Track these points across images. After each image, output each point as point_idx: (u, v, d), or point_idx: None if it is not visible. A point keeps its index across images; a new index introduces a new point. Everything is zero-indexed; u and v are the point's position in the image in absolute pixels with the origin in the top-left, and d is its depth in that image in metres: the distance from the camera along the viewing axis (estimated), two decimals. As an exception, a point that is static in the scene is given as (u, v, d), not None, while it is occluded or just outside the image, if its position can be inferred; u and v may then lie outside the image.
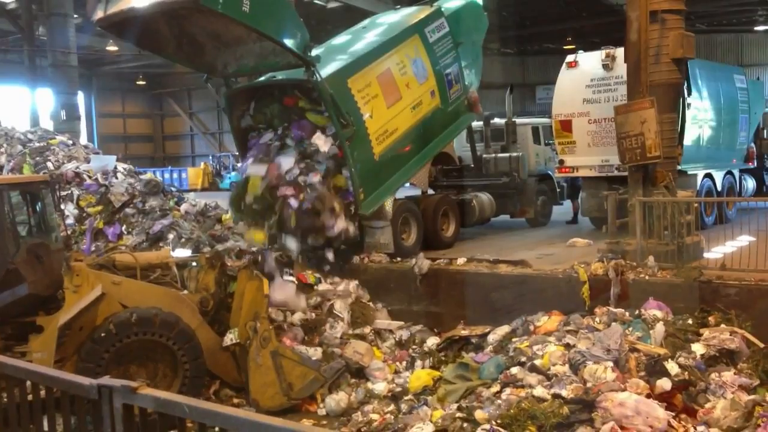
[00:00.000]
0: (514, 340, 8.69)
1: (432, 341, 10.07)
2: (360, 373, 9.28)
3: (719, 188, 14.96)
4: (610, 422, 6.10)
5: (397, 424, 7.45)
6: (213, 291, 9.25)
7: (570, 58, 14.60)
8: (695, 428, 6.30)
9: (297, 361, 8.68)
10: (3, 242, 8.49)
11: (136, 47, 13.81)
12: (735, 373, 7.05)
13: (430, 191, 14.38)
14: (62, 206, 12.80)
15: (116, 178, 13.63)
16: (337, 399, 8.65)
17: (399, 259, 11.66)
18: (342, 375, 9.05)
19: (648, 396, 6.55)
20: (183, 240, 12.37)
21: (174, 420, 3.16)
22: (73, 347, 7.96)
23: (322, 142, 10.65)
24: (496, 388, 7.53)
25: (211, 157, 44.42)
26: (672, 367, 7.07)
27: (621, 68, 12.04)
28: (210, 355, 8.72)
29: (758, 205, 13.71)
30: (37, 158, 14.27)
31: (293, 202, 10.39)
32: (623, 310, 8.59)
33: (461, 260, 11.28)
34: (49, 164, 14.09)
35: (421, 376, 8.71)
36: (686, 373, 7.04)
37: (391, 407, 8.18)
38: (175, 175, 39.73)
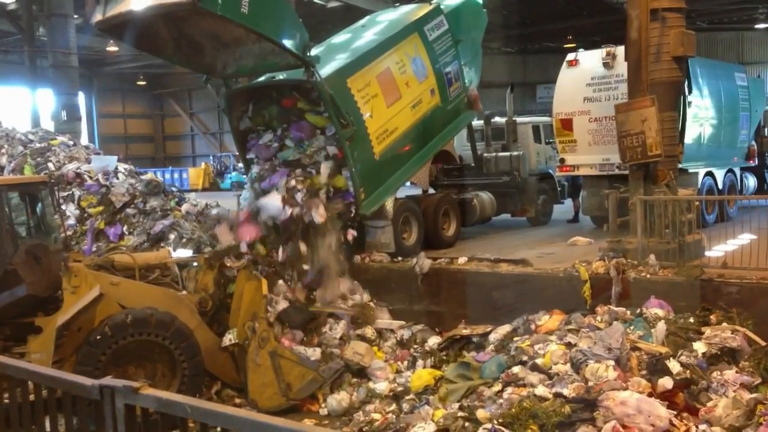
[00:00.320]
0: (515, 339, 8.69)
1: (433, 341, 10.07)
2: (361, 372, 9.29)
3: (720, 186, 14.95)
4: (611, 421, 6.10)
5: (398, 423, 7.46)
6: (212, 291, 9.25)
7: (570, 56, 14.59)
8: (697, 427, 6.30)
9: (295, 362, 8.68)
10: (1, 243, 8.49)
11: (135, 49, 13.82)
12: (736, 372, 7.05)
13: (431, 190, 14.38)
14: (63, 207, 12.82)
15: (117, 178, 13.61)
16: (339, 399, 8.66)
17: (400, 258, 11.66)
18: (341, 375, 9.04)
19: (650, 395, 6.54)
20: (184, 240, 12.36)
21: (176, 420, 3.16)
22: (72, 348, 7.96)
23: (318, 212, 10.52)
24: (497, 387, 7.53)
25: (211, 158, 44.46)
26: (673, 365, 7.06)
27: (621, 66, 12.03)
28: (209, 355, 8.72)
29: (759, 203, 13.73)
30: (38, 159, 14.25)
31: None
32: (624, 308, 8.59)
33: (462, 259, 11.28)
34: (50, 165, 14.07)
35: (422, 375, 8.72)
36: (688, 371, 7.03)
37: (393, 407, 8.19)
38: (176, 176, 39.76)
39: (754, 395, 6.60)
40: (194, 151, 52.35)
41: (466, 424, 6.83)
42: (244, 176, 13.31)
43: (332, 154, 11.04)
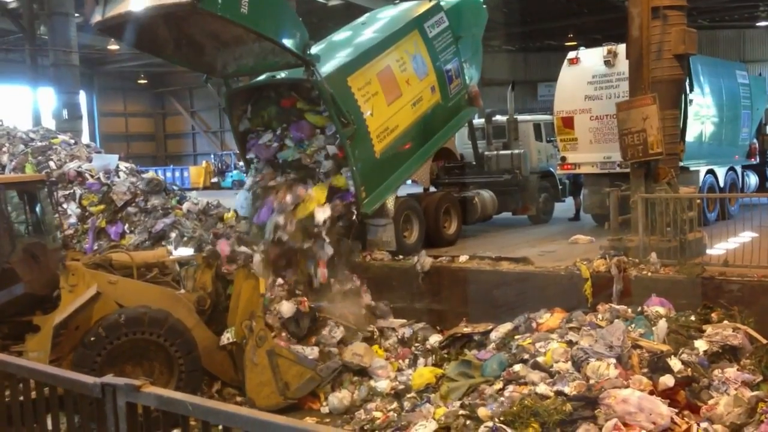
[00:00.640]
0: (516, 337, 8.68)
1: (434, 339, 10.07)
2: (362, 371, 9.29)
3: (721, 184, 14.93)
4: (613, 419, 6.10)
5: (400, 421, 7.46)
6: (210, 290, 9.23)
7: (572, 54, 14.57)
8: (698, 424, 6.29)
9: (293, 361, 8.66)
10: None
11: (134, 49, 13.81)
12: (738, 370, 7.04)
13: (432, 189, 14.37)
14: (65, 205, 12.84)
15: (118, 177, 13.63)
16: (340, 397, 8.67)
17: (401, 256, 11.66)
18: (339, 374, 9.03)
19: (651, 393, 6.54)
20: (185, 239, 12.38)
21: (177, 418, 3.16)
22: (69, 346, 7.96)
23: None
24: (498, 385, 7.53)
25: (212, 156, 44.50)
26: (675, 363, 7.05)
27: (623, 65, 12.01)
28: (207, 354, 8.71)
29: (761, 201, 13.70)
30: (40, 157, 14.27)
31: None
32: (626, 306, 8.58)
33: (463, 258, 11.28)
34: (52, 163, 14.09)
35: (423, 373, 8.71)
36: (689, 369, 7.02)
37: (394, 405, 8.20)
38: (177, 174, 39.77)
39: (755, 393, 6.59)
40: (195, 149, 52.36)
41: (468, 422, 6.82)
42: (245, 175, 13.32)
43: (332, 153, 11.04)
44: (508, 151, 15.71)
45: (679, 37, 9.88)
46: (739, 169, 16.10)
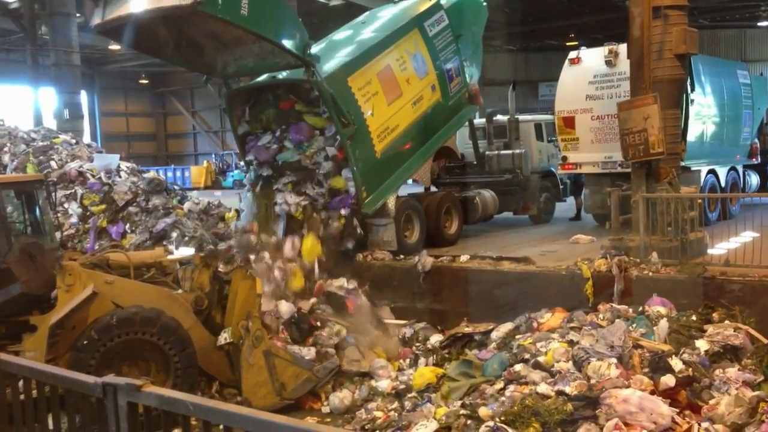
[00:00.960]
0: (517, 337, 8.68)
1: (435, 338, 10.07)
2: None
3: (723, 184, 14.92)
4: (614, 419, 6.09)
5: (400, 421, 7.46)
6: (207, 290, 9.22)
7: (573, 54, 14.56)
8: (699, 424, 6.28)
9: (290, 361, 8.64)
10: None
11: (134, 51, 13.81)
12: (739, 369, 7.03)
13: (433, 188, 14.36)
14: (66, 205, 12.85)
15: (119, 176, 13.64)
16: (341, 396, 8.67)
17: (402, 256, 11.66)
18: (339, 374, 9.01)
19: (652, 392, 6.54)
20: (186, 238, 12.39)
21: (178, 418, 3.16)
22: (66, 346, 7.95)
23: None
24: (499, 385, 7.53)
25: (213, 156, 44.51)
26: (676, 363, 7.05)
27: (624, 64, 12.01)
28: (204, 354, 8.69)
29: (762, 201, 13.68)
30: (41, 157, 14.29)
31: None
32: (627, 306, 8.58)
33: (464, 257, 11.28)
34: (53, 163, 14.11)
35: (424, 373, 8.71)
36: (690, 369, 7.01)
37: (395, 404, 8.19)
38: (178, 174, 39.80)
39: (756, 393, 6.58)
40: (196, 149, 52.39)
41: (469, 421, 6.82)
42: (245, 175, 13.31)
43: (332, 155, 11.02)
44: (509, 151, 15.71)
45: (680, 36, 9.88)
46: (740, 169, 16.09)
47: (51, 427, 3.88)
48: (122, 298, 8.46)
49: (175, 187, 15.24)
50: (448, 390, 7.91)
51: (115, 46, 34.29)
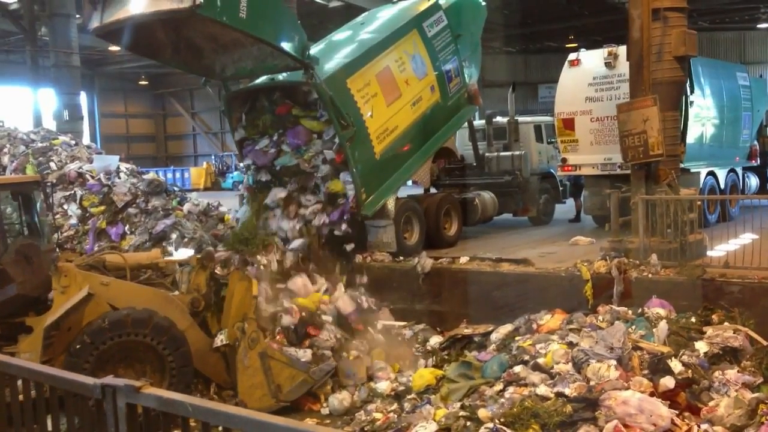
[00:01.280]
0: (517, 338, 8.68)
1: (435, 340, 10.07)
2: (363, 372, 9.27)
3: (722, 186, 14.94)
4: (613, 420, 6.09)
5: (400, 422, 7.45)
6: (204, 292, 9.20)
7: (572, 56, 14.58)
8: (699, 426, 6.29)
9: (285, 363, 8.59)
10: None
11: (132, 53, 13.78)
12: (738, 371, 7.03)
13: (433, 190, 14.36)
14: (65, 206, 12.85)
15: (119, 178, 13.63)
16: (341, 398, 8.65)
17: (402, 258, 11.65)
18: (332, 376, 8.98)
19: (651, 394, 6.53)
20: (186, 240, 12.37)
21: (177, 419, 3.16)
22: (62, 348, 7.93)
23: None
24: (499, 386, 7.52)
25: (213, 157, 44.51)
26: (675, 365, 7.05)
27: (623, 66, 12.02)
28: (200, 356, 8.67)
29: (761, 203, 13.68)
30: (40, 158, 14.29)
31: None
32: (626, 308, 8.58)
33: (464, 259, 11.28)
34: (52, 164, 14.11)
35: (424, 375, 8.70)
36: (689, 371, 7.02)
37: (395, 406, 8.18)
38: (177, 175, 39.79)
39: (755, 395, 6.59)
40: (196, 150, 52.39)
41: (468, 423, 6.82)
42: (244, 178, 13.29)
43: (330, 158, 11.00)
44: (509, 153, 15.71)
45: (680, 38, 9.89)
46: (739, 171, 16.10)
47: (50, 428, 3.87)
48: (118, 300, 8.43)
49: (175, 188, 15.22)
50: (448, 391, 7.91)
51: (114, 48, 34.26)
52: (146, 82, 49.52)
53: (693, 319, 8.11)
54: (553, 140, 16.15)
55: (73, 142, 15.90)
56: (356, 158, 10.94)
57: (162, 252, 10.67)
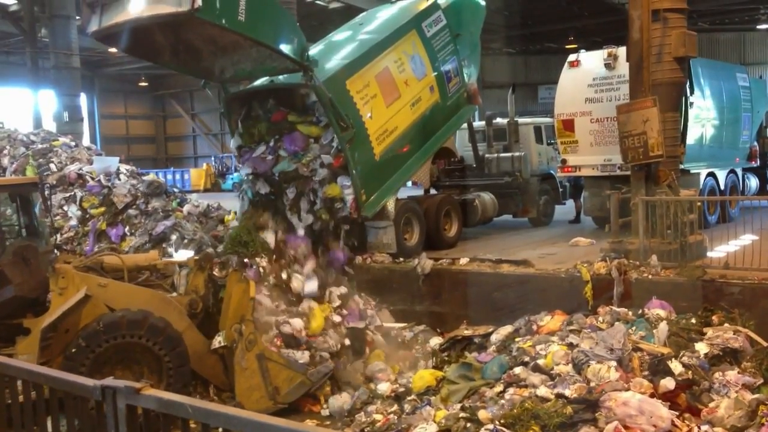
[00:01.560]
0: (517, 339, 8.67)
1: (435, 341, 10.06)
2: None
3: (722, 187, 14.94)
4: (613, 422, 6.09)
5: (400, 424, 7.44)
6: (202, 293, 9.19)
7: (572, 57, 14.59)
8: (699, 427, 6.28)
9: (283, 365, 8.57)
10: None
11: (131, 56, 13.76)
12: (739, 372, 7.03)
13: (433, 191, 14.35)
14: (65, 207, 12.85)
15: (119, 179, 13.62)
16: (341, 399, 8.64)
17: (401, 259, 11.65)
18: (330, 378, 8.97)
19: (651, 395, 6.53)
20: (186, 241, 12.36)
21: (177, 420, 3.16)
22: (59, 349, 7.92)
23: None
24: (499, 387, 7.51)
25: (213, 158, 44.50)
26: (675, 366, 7.04)
27: (623, 67, 12.03)
28: (198, 358, 8.65)
29: (761, 204, 13.70)
30: (40, 160, 14.29)
31: None
32: (626, 309, 8.56)
33: (464, 260, 11.28)
34: (52, 166, 14.11)
35: (424, 376, 8.69)
36: (690, 372, 7.01)
37: (395, 407, 8.17)
38: (177, 176, 39.82)
39: (756, 396, 6.58)
40: (196, 152, 52.41)
41: (468, 424, 6.81)
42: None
43: (327, 162, 10.97)
44: (509, 154, 15.72)
45: (680, 39, 9.89)
46: (739, 172, 16.11)
47: (50, 430, 3.87)
48: (116, 302, 8.41)
49: (175, 189, 15.22)
50: (448, 393, 7.90)
51: (114, 49, 34.28)
52: (146, 84, 49.53)
53: (693, 321, 8.10)
54: (552, 141, 16.16)
55: (73, 143, 15.90)
56: (356, 160, 10.92)
57: (160, 253, 10.65)
